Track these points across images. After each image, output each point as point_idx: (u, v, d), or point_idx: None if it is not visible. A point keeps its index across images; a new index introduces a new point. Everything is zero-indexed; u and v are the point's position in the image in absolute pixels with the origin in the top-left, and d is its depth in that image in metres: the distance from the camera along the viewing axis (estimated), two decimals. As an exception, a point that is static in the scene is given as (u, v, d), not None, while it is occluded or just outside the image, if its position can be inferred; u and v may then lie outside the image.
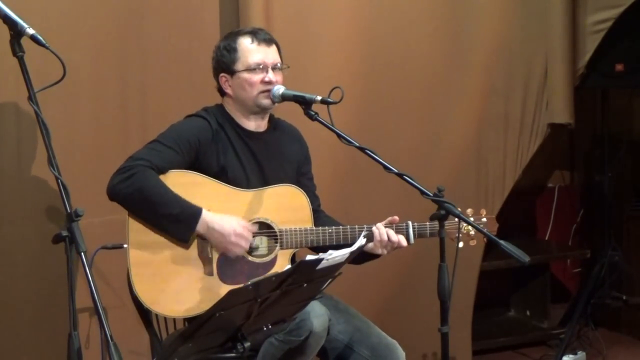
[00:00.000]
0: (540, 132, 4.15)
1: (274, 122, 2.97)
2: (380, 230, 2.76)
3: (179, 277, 2.66)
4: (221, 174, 2.76)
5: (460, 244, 2.73)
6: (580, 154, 5.20)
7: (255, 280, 2.10)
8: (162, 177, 2.66)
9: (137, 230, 2.64)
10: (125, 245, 2.65)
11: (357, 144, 2.62)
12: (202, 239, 2.68)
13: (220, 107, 2.89)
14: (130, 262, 2.63)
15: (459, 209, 2.77)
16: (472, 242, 2.85)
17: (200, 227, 2.64)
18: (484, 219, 2.88)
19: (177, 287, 2.65)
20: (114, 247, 2.80)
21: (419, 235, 2.81)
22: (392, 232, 2.76)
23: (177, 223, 2.62)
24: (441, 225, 2.58)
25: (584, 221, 5.13)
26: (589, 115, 4.82)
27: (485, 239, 2.82)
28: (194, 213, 2.63)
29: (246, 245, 2.68)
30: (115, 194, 2.62)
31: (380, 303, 3.82)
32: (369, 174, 3.52)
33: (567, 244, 5.10)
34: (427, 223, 2.79)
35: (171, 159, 2.69)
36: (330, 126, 2.65)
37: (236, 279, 2.67)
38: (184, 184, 2.67)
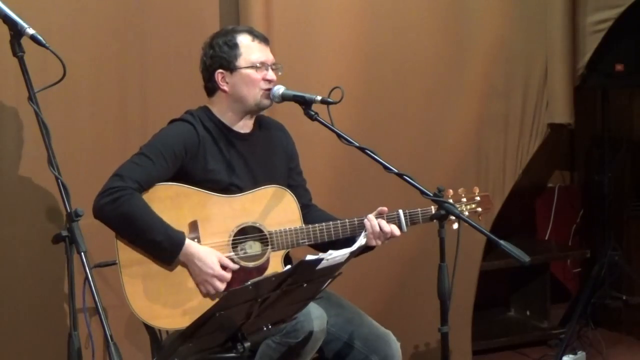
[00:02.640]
0: (540, 132, 4.14)
1: (258, 121, 2.92)
2: (372, 222, 2.74)
3: (173, 289, 2.65)
4: (210, 179, 2.74)
5: (455, 225, 2.70)
6: (580, 154, 5.20)
7: (255, 280, 2.11)
8: (148, 192, 2.65)
9: (125, 248, 2.64)
10: (116, 262, 2.64)
11: (357, 144, 2.62)
12: None
13: (205, 110, 2.84)
14: (123, 280, 2.63)
15: (451, 191, 2.77)
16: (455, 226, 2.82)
17: (182, 257, 2.63)
18: (478, 198, 2.87)
19: (172, 299, 2.65)
20: (107, 265, 2.80)
21: (412, 222, 2.78)
22: (383, 222, 2.74)
23: (160, 250, 2.62)
24: (441, 226, 2.58)
25: (584, 221, 5.13)
26: (589, 115, 4.82)
27: (480, 217, 2.84)
28: (177, 243, 2.62)
29: (221, 288, 2.65)
30: (100, 215, 2.61)
31: (381, 303, 3.81)
32: (369, 174, 3.51)
33: (567, 244, 5.10)
34: (419, 209, 2.77)
35: (157, 173, 2.67)
36: (330, 126, 2.65)
37: (229, 286, 2.66)
38: (171, 196, 2.67)
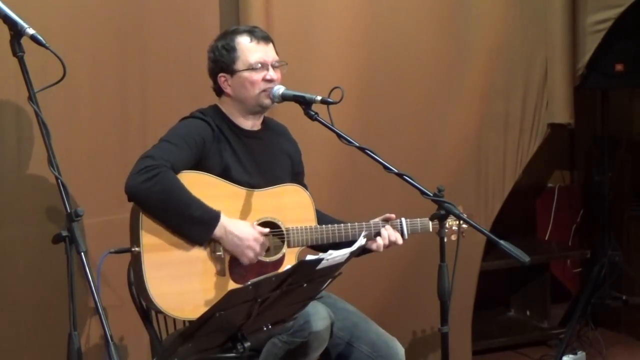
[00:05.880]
0: (540, 132, 4.15)
1: (265, 121, 2.97)
2: (382, 230, 2.79)
3: (192, 278, 2.65)
4: (224, 174, 2.76)
5: (453, 237, 2.78)
6: (580, 154, 5.20)
7: (255, 280, 2.11)
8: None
9: (149, 232, 2.63)
10: (133, 249, 2.63)
11: (357, 144, 2.63)
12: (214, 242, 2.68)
13: (215, 108, 2.88)
14: (145, 265, 2.60)
15: None
16: (453, 237, 2.86)
17: (217, 231, 2.64)
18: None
19: (191, 288, 2.65)
20: (121, 251, 2.77)
21: (411, 231, 2.87)
22: (390, 229, 2.81)
23: (197, 225, 2.62)
24: (441, 226, 2.58)
25: (584, 221, 5.13)
26: (589, 115, 4.82)
27: (463, 234, 2.86)
28: (214, 217, 2.64)
29: (262, 251, 2.69)
30: (138, 192, 2.59)
31: (381, 303, 3.81)
32: (369, 173, 3.51)
33: (567, 244, 5.10)
34: (418, 219, 2.85)
35: (182, 158, 2.68)
36: (330, 126, 2.65)
37: (247, 278, 2.66)
38: (198, 183, 2.67)
